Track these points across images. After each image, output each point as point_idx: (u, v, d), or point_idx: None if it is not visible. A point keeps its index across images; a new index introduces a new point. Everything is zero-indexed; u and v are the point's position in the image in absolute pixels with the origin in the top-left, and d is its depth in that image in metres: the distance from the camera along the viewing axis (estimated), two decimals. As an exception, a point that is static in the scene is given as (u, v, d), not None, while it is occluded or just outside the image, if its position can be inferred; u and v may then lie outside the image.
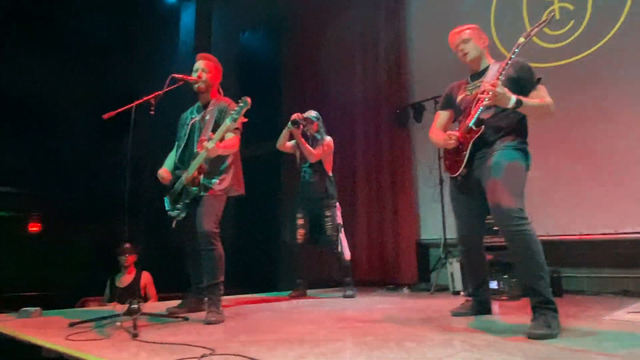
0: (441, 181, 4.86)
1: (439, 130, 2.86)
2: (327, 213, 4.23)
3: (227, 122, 2.81)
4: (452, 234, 4.29)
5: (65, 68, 7.84)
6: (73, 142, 7.98)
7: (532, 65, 2.56)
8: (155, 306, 3.55)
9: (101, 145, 7.66)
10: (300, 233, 4.26)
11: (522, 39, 2.49)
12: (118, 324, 2.42)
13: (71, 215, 7.70)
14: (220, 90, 3.24)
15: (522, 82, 2.51)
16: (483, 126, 2.53)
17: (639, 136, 3.96)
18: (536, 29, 2.51)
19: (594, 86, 4.22)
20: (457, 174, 2.65)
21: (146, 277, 4.61)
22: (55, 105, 8.31)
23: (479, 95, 2.53)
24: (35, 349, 2.05)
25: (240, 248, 6.89)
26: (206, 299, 2.92)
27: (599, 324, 2.53)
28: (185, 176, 2.98)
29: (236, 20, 7.76)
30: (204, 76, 3.11)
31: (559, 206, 4.24)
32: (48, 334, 2.21)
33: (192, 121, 3.14)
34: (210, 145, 2.80)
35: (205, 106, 3.14)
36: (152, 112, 2.84)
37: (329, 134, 4.49)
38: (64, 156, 7.63)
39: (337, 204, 4.37)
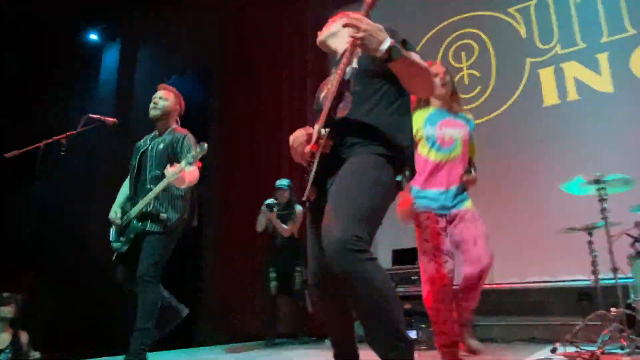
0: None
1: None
2: (298, 269, 4.78)
3: (182, 165, 2.74)
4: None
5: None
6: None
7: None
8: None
9: (5, 188, 7.10)
10: (274, 285, 4.80)
11: None
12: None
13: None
14: (178, 121, 3.19)
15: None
16: (329, 129, 1.76)
17: (542, 189, 4.25)
18: None
19: (502, 143, 4.58)
20: (304, 197, 1.86)
21: (25, 338, 3.87)
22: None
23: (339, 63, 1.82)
24: None
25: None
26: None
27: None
28: (134, 209, 2.87)
29: (163, 64, 7.69)
30: (161, 103, 3.06)
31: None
32: None
33: (144, 150, 3.04)
34: (172, 174, 2.70)
35: (160, 134, 3.09)
36: (62, 153, 2.74)
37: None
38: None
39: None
